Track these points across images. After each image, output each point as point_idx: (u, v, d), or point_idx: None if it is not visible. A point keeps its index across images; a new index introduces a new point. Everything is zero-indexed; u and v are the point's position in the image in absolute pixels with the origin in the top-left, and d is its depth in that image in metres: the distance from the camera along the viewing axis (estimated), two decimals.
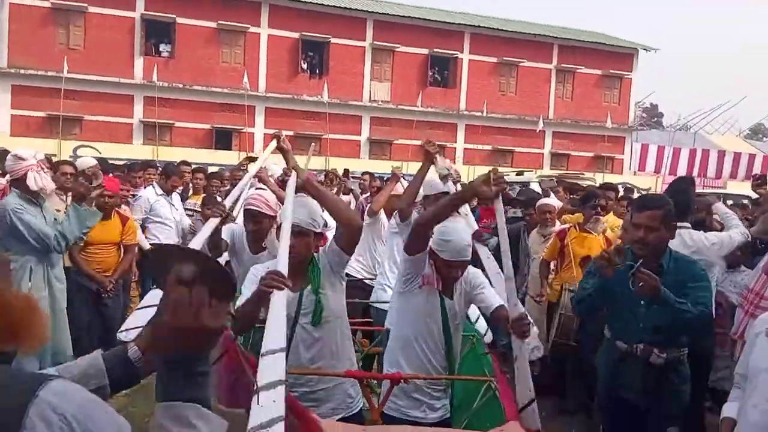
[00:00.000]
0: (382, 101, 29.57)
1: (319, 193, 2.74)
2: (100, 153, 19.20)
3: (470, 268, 3.03)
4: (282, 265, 2.31)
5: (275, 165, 5.31)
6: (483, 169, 22.14)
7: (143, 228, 6.23)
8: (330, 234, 3.48)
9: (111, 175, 6.04)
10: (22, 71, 24.24)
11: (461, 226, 2.99)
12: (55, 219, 3.96)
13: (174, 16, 26.05)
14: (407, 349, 2.91)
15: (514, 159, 30.93)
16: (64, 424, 0.88)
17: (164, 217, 6.65)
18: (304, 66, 28.78)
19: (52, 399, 0.89)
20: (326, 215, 3.09)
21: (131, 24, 25.98)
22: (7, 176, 4.16)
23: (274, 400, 1.91)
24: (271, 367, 2.00)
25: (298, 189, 2.72)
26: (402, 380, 2.75)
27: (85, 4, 24.98)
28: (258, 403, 1.91)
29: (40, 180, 3.92)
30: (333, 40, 28.18)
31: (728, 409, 2.50)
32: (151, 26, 26.40)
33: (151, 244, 6.04)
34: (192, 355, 1.00)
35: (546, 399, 5.38)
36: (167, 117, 25.79)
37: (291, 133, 27.65)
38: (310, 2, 27.56)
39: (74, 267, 4.89)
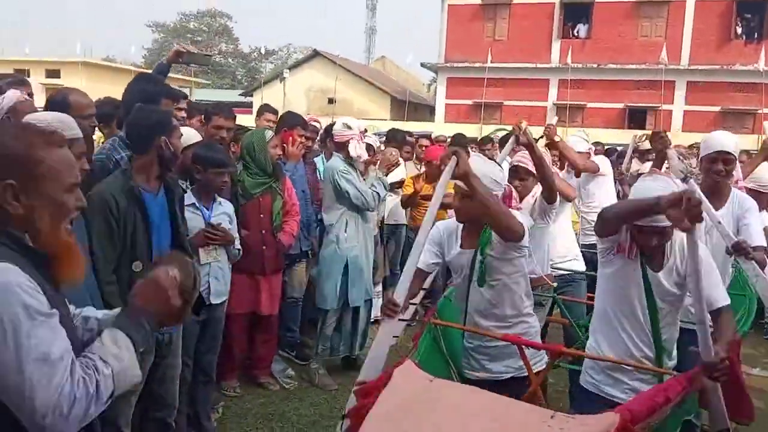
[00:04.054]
0: None
1: (475, 191, 2.49)
2: None
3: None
4: (403, 284, 2.48)
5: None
6: None
7: None
8: None
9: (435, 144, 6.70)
10: (455, 65, 27.56)
11: (658, 185, 2.37)
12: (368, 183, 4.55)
13: None
14: (606, 324, 2.58)
15: None
16: None
17: None
18: (739, 31, 25.07)
19: None
20: None
21: (551, 9, 26.80)
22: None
23: None
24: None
25: (455, 178, 2.51)
26: (561, 355, 2.59)
27: None
28: None
29: (358, 149, 4.46)
30: None
31: None
32: (569, 9, 26.78)
33: None
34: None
35: None
36: (579, 98, 25.90)
37: (718, 108, 24.67)
38: None
39: (410, 224, 5.89)
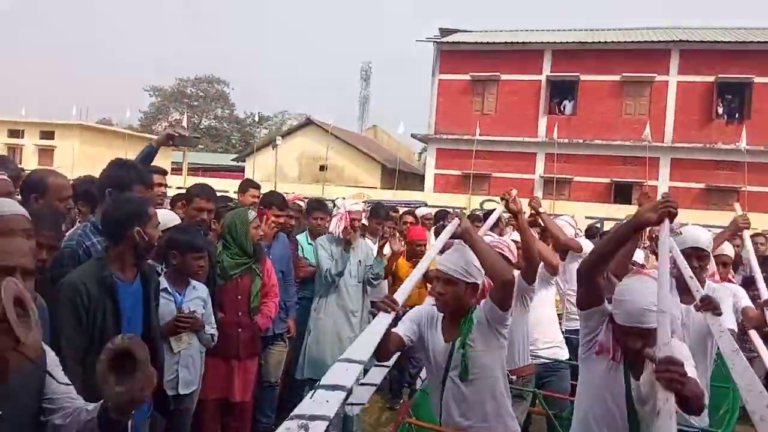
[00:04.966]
0: None
1: (475, 244, 2.66)
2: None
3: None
4: (401, 292, 2.60)
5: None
6: None
7: None
8: None
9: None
10: (445, 137, 28.12)
11: (645, 286, 2.31)
12: (360, 261, 4.80)
13: (578, 74, 26.68)
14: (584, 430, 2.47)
15: None
16: None
17: None
18: (720, 111, 25.87)
19: None
20: None
21: (538, 86, 27.61)
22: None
23: (327, 400, 1.95)
24: (341, 373, 2.08)
25: (456, 236, 2.72)
26: None
27: (498, 73, 27.66)
28: (310, 398, 1.98)
29: (334, 226, 4.74)
30: (757, 80, 24.67)
31: None
32: (555, 86, 27.59)
33: None
34: None
35: None
36: (566, 172, 26.34)
37: (702, 185, 25.14)
38: (728, 41, 24.88)
39: None
